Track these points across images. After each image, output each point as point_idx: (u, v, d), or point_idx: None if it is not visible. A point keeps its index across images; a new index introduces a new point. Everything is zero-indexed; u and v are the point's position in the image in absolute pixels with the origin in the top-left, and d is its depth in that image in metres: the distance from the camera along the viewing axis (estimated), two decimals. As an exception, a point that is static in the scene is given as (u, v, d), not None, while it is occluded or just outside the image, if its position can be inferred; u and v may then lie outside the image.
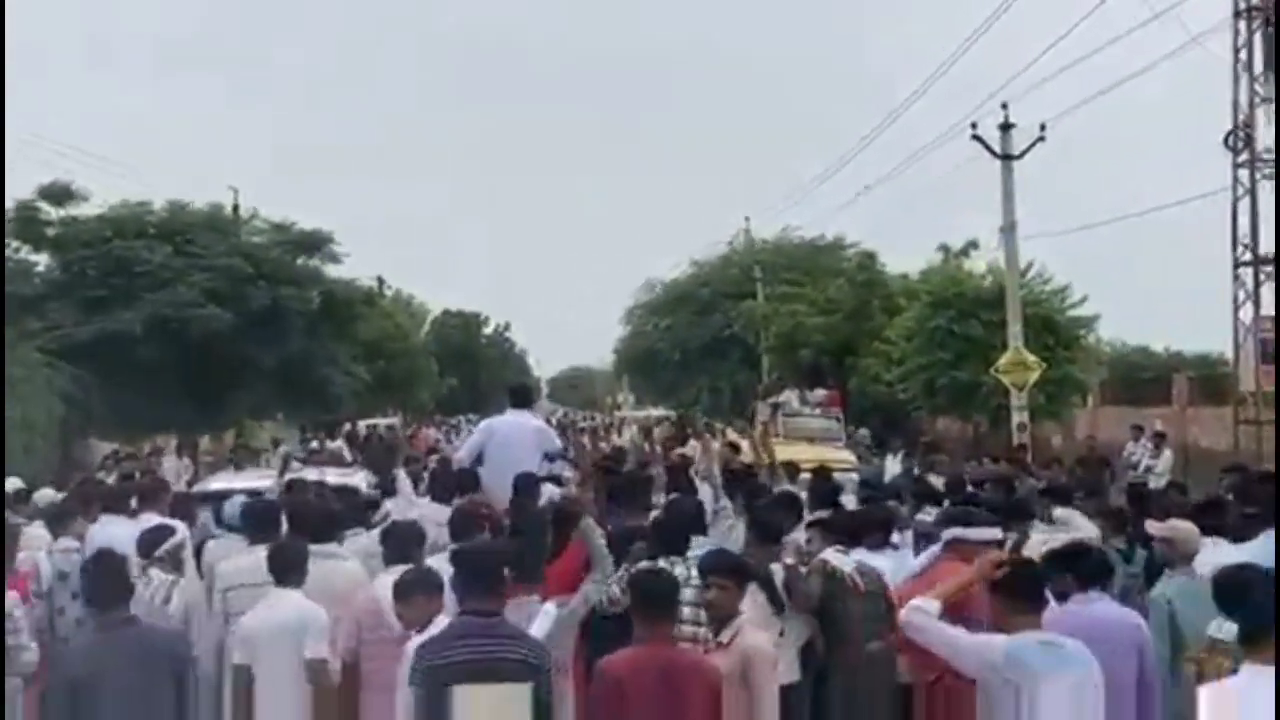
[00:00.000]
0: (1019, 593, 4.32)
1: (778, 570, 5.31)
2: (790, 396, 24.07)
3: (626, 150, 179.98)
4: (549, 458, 8.60)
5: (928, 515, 6.72)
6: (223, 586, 5.63)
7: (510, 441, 8.51)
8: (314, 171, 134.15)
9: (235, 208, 26.09)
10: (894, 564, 5.86)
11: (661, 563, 5.26)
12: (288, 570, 5.19)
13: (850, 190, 41.67)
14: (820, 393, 24.34)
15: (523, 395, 9.49)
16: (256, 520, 6.06)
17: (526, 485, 7.46)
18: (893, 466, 13.63)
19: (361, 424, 31.15)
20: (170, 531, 5.91)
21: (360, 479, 9.50)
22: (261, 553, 5.41)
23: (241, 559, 5.77)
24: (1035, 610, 4.32)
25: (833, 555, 5.62)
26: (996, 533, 5.39)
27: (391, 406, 44.78)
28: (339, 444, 21.03)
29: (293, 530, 5.83)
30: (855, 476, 10.45)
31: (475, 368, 61.72)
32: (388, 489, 8.86)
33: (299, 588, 5.16)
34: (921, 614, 4.41)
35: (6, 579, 5.40)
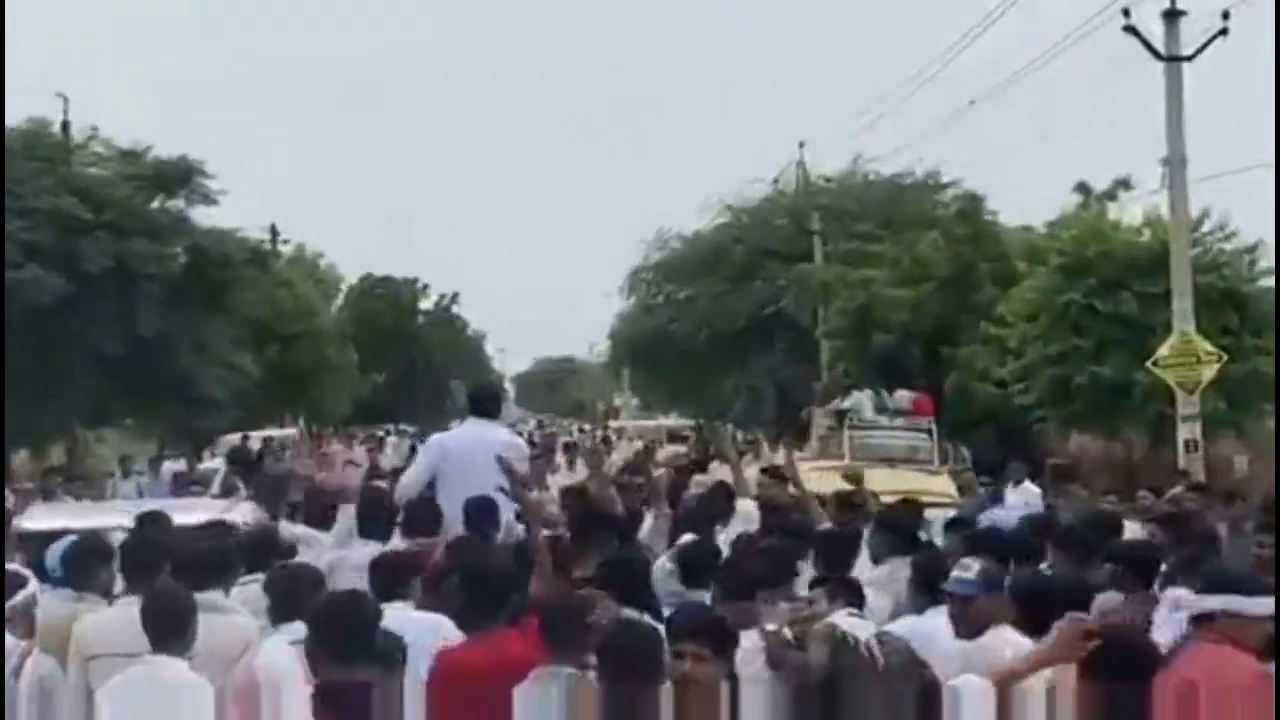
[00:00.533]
0: (1119, 674, 4.27)
1: (751, 639, 5.32)
2: (861, 400, 24.06)
3: (627, 58, 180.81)
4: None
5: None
6: (84, 654, 5.79)
7: (471, 465, 8.70)
8: (189, 88, 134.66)
9: (65, 125, 25.97)
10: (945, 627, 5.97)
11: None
12: (169, 632, 5.32)
13: (943, 109, 41.42)
14: (904, 395, 24.20)
15: (488, 401, 9.72)
16: (87, 565, 6.30)
17: (480, 512, 7.75)
18: (1015, 500, 13.60)
19: (253, 436, 31.10)
20: (19, 581, 6.05)
21: (242, 513, 9.73)
22: (132, 609, 5.54)
23: (106, 616, 5.97)
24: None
25: (844, 618, 5.70)
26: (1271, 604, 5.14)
27: (290, 412, 45.03)
28: (215, 464, 21.06)
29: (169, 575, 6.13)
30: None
31: (410, 358, 61.93)
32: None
33: (185, 655, 5.31)
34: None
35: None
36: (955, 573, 5.95)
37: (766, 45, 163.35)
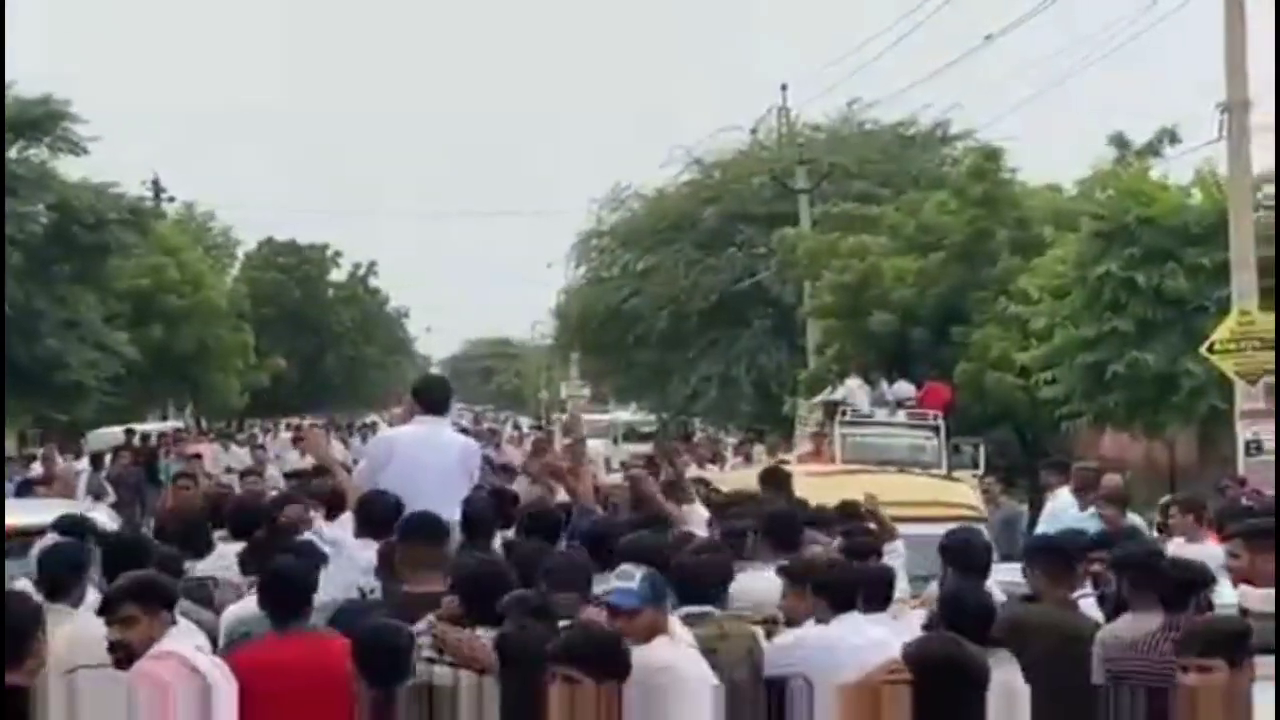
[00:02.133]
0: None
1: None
2: (856, 391, 24.21)
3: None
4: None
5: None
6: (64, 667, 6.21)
7: (422, 466, 9.11)
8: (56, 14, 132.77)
9: None
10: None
11: None
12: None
13: (954, 46, 40.99)
14: (906, 386, 24.39)
15: (437, 395, 10.03)
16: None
17: (479, 519, 8.41)
18: (1063, 513, 13.13)
19: (131, 429, 30.57)
20: None
21: (104, 514, 10.13)
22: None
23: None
24: None
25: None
26: None
27: (175, 403, 44.42)
28: (79, 464, 20.62)
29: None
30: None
31: (319, 338, 61.35)
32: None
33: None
34: None
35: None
36: (616, 582, 6.40)
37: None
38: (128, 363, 28.25)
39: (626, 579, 6.41)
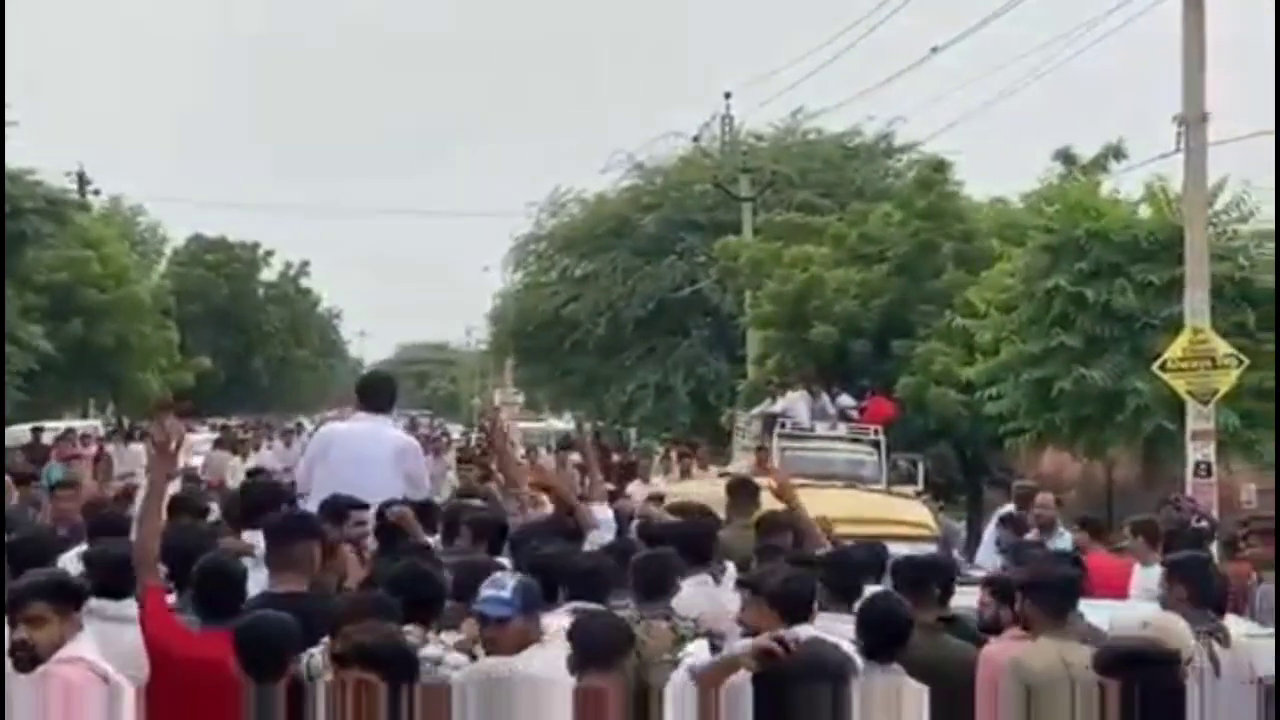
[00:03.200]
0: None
1: None
2: (796, 404, 24.26)
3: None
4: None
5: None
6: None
7: (358, 462, 9.29)
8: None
9: None
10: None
11: None
12: None
13: (899, 58, 40.72)
14: (847, 401, 24.39)
15: (381, 393, 10.19)
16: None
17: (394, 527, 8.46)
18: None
19: (47, 428, 29.99)
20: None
21: None
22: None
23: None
24: None
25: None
26: None
27: (96, 400, 43.78)
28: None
29: None
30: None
31: (247, 337, 60.97)
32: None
33: None
34: None
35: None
36: (487, 590, 6.30)
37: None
38: (43, 358, 27.61)
39: (498, 587, 6.34)
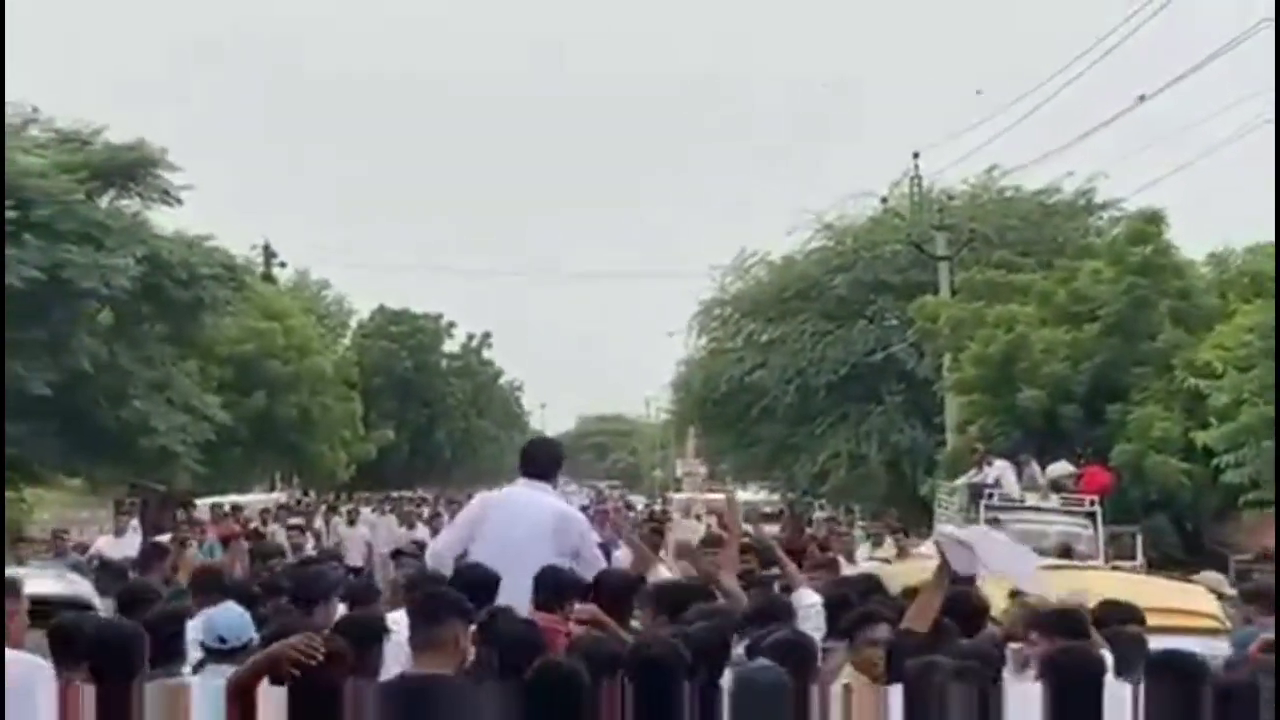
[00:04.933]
0: None
1: None
2: (1005, 473, 23.45)
3: (701, 58, 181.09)
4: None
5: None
6: None
7: (515, 531, 8.99)
8: (167, 70, 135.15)
9: None
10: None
11: None
12: None
13: (1099, 110, 39.31)
14: (1064, 466, 23.48)
15: (543, 459, 9.86)
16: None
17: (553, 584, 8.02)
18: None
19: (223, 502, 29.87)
20: None
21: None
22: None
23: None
24: None
25: None
26: None
27: (281, 472, 44.01)
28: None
29: None
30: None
31: (430, 410, 61.36)
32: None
33: None
34: None
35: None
36: None
37: (870, 40, 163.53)
38: (223, 429, 27.53)
39: None
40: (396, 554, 15.80)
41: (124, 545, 20.13)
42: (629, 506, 44.20)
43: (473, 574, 8.16)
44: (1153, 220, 27.42)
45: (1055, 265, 30.29)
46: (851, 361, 36.85)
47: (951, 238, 35.40)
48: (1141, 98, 30.39)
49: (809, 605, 8.52)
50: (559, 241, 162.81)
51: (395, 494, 44.58)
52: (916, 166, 40.30)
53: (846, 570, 15.56)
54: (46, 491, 33.54)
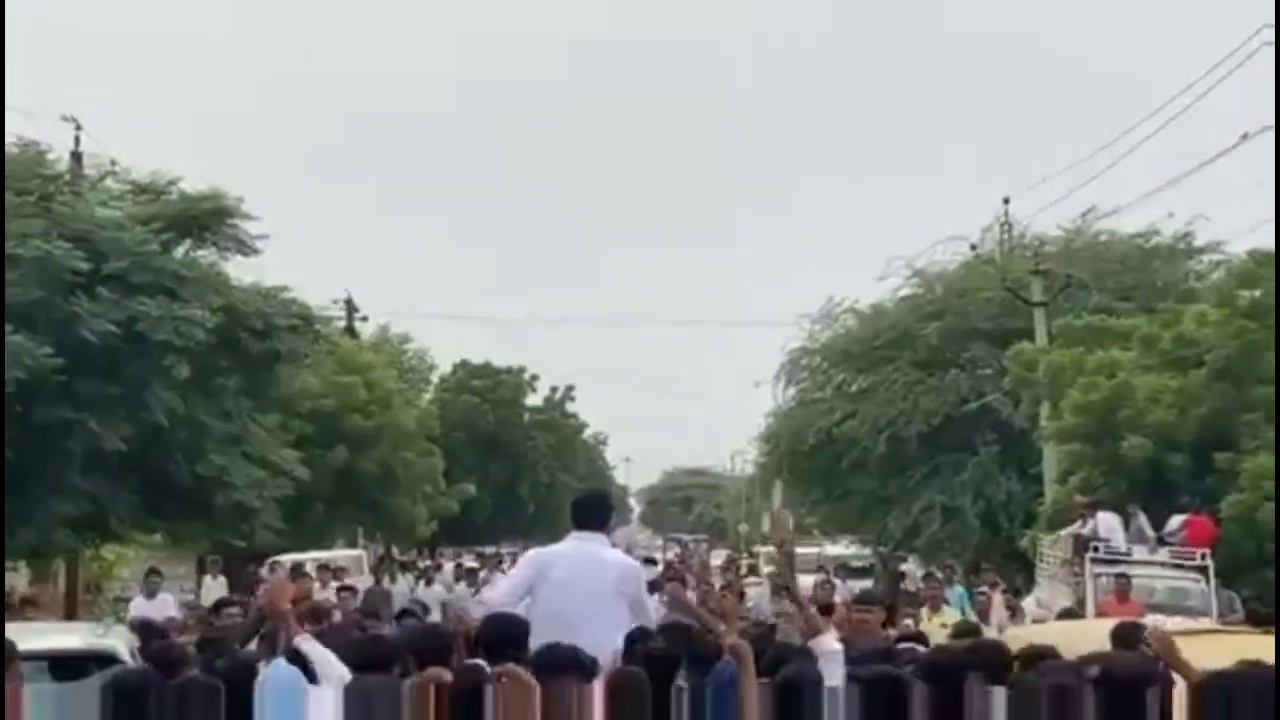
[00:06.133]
0: None
1: None
2: (1112, 525, 22.93)
3: (784, 105, 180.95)
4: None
5: None
6: None
7: (579, 584, 9.05)
8: (246, 126, 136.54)
9: (77, 156, 25.69)
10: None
11: None
12: None
13: (1197, 151, 38.61)
14: (1178, 520, 23.04)
15: (594, 509, 9.83)
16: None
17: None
18: None
19: (302, 560, 29.90)
20: None
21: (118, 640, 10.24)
22: None
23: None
24: None
25: None
26: None
27: (363, 528, 43.85)
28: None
29: None
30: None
31: (513, 464, 61.32)
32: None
33: None
34: None
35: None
36: None
37: (959, 85, 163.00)
38: (303, 484, 27.25)
39: None
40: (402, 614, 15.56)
41: (157, 607, 20.56)
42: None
43: (503, 625, 8.29)
44: (1263, 262, 26.63)
45: (1157, 310, 29.61)
46: (944, 411, 36.49)
47: (1047, 283, 34.93)
48: (1244, 136, 29.88)
49: (830, 652, 8.31)
50: (641, 289, 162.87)
51: (480, 550, 44.58)
52: (1007, 211, 40.45)
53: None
54: (127, 549, 33.59)
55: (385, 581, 28.03)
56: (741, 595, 23.31)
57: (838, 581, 25.57)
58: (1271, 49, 25.45)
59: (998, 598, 21.68)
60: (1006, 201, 40.28)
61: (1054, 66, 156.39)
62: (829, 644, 8.42)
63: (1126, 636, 9.10)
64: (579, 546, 9.45)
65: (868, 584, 30.49)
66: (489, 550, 45.40)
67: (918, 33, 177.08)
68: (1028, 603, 22.87)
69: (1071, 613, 18.82)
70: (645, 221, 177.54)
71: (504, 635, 8.00)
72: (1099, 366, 27.56)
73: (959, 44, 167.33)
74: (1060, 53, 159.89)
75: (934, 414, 36.56)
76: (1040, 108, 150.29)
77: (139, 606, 21.02)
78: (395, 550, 46.05)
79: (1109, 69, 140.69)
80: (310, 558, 29.93)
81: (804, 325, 42.21)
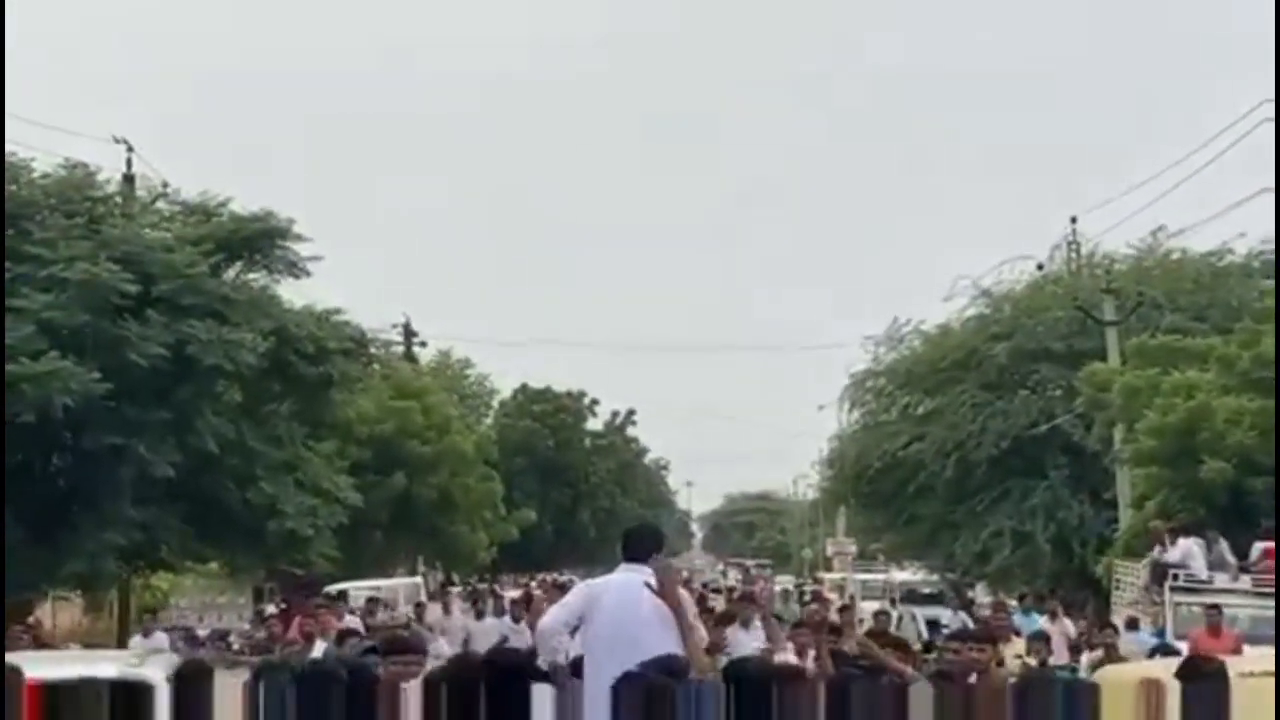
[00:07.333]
0: None
1: None
2: (1192, 551, 22.48)
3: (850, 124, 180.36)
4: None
5: None
6: None
7: (629, 613, 9.29)
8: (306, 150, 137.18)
9: (129, 178, 25.66)
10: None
11: None
12: None
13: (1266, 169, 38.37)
14: (1260, 548, 22.62)
15: (647, 543, 10.01)
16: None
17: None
18: None
19: (356, 589, 29.57)
20: None
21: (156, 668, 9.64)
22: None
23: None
24: None
25: None
26: None
27: (423, 555, 43.57)
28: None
29: None
30: None
31: (573, 490, 61.07)
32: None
33: None
34: None
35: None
36: None
37: (1023, 102, 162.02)
38: (358, 511, 26.90)
39: None
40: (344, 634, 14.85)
41: (152, 645, 19.94)
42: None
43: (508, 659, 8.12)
44: (1340, 279, 26.10)
45: (1233, 330, 28.89)
46: (1013, 434, 35.92)
47: (1119, 302, 34.42)
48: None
49: None
50: (697, 311, 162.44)
51: (541, 576, 44.20)
52: (1074, 230, 39.82)
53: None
54: (184, 577, 33.44)
55: (438, 613, 27.01)
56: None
57: (913, 609, 24.96)
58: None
59: (1056, 629, 20.54)
60: (1074, 220, 39.75)
61: (1121, 87, 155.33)
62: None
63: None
64: (631, 579, 9.71)
65: (938, 610, 29.94)
66: (549, 577, 45.07)
67: (987, 56, 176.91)
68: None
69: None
70: (707, 246, 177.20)
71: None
72: (1176, 388, 27.11)
73: (1029, 66, 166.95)
74: (1127, 73, 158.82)
75: (1003, 436, 36.05)
76: (1107, 128, 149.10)
77: (136, 645, 20.56)
78: (455, 577, 45.78)
79: (1175, 89, 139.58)
80: (367, 585, 29.73)
81: (869, 347, 41.66)
